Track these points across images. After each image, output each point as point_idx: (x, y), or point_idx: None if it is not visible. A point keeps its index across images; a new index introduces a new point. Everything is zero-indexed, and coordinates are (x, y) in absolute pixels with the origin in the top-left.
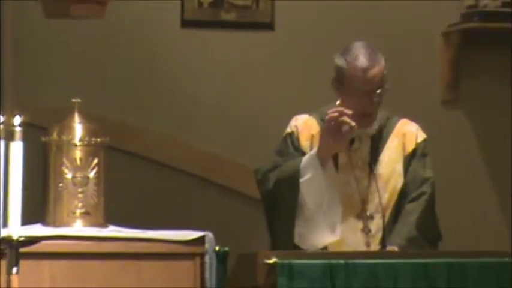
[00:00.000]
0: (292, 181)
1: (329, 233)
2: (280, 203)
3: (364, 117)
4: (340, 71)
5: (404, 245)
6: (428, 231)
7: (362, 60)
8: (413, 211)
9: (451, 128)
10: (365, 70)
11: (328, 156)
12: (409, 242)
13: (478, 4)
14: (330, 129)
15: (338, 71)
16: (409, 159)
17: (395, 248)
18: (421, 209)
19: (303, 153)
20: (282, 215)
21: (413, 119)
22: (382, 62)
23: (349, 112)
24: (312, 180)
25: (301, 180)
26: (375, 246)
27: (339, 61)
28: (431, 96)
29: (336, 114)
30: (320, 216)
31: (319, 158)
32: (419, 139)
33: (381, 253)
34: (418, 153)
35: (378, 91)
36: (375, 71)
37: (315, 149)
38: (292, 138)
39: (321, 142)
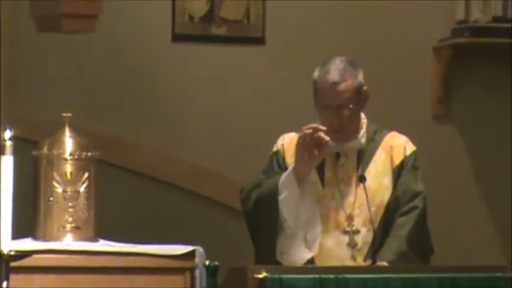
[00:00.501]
0: (271, 199)
1: (306, 250)
2: (261, 221)
3: (341, 132)
4: (314, 84)
5: (395, 260)
6: (419, 245)
7: (332, 74)
8: (404, 225)
9: (442, 142)
10: (333, 84)
11: (305, 173)
12: (399, 256)
13: (469, 19)
14: (305, 146)
15: (313, 83)
16: (398, 171)
17: (385, 263)
18: (412, 223)
19: None
20: (263, 233)
21: (404, 133)
22: (358, 79)
23: (324, 128)
24: (288, 198)
25: (279, 198)
26: (360, 260)
27: (314, 74)
28: (422, 111)
29: (310, 130)
30: (298, 233)
31: (296, 175)
32: (408, 151)
33: (371, 268)
34: (407, 165)
35: (350, 106)
36: (344, 86)
37: (292, 167)
38: (278, 157)
39: (296, 159)
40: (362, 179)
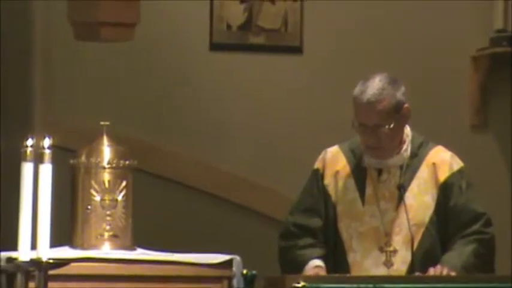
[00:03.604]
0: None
1: None
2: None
3: (380, 149)
4: (353, 101)
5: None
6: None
7: (369, 93)
8: (463, 252)
9: (480, 152)
10: (369, 104)
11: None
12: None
13: (507, 28)
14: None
15: (352, 100)
16: (444, 188)
17: (447, 271)
18: (471, 251)
19: (326, 195)
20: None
21: (442, 143)
22: (396, 97)
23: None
24: None
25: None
26: None
27: (354, 90)
28: (460, 121)
29: None
30: None
31: None
32: (455, 167)
33: (409, 277)
34: (458, 183)
35: (386, 126)
36: (380, 106)
37: (315, 262)
38: (317, 177)
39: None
40: (401, 188)
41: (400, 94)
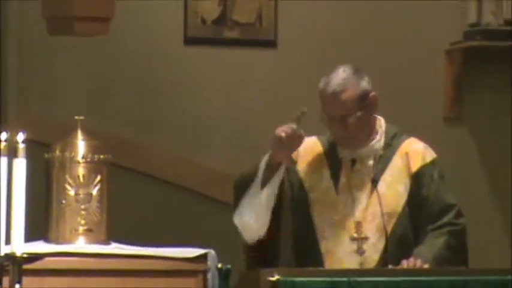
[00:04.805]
0: (251, 178)
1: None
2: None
3: (349, 139)
4: (319, 94)
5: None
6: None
7: (333, 84)
8: (434, 245)
9: (454, 145)
10: (334, 95)
11: (280, 160)
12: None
13: (481, 22)
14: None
15: (318, 93)
16: (416, 179)
17: (420, 263)
18: (442, 244)
19: (297, 176)
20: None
21: (416, 135)
22: (361, 86)
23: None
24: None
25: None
26: (369, 267)
27: (319, 84)
28: (435, 113)
29: (283, 134)
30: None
31: (272, 161)
32: (428, 158)
33: (384, 270)
34: (430, 173)
35: (355, 114)
36: (344, 96)
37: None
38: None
39: (272, 149)
40: (374, 181)
41: (365, 83)
